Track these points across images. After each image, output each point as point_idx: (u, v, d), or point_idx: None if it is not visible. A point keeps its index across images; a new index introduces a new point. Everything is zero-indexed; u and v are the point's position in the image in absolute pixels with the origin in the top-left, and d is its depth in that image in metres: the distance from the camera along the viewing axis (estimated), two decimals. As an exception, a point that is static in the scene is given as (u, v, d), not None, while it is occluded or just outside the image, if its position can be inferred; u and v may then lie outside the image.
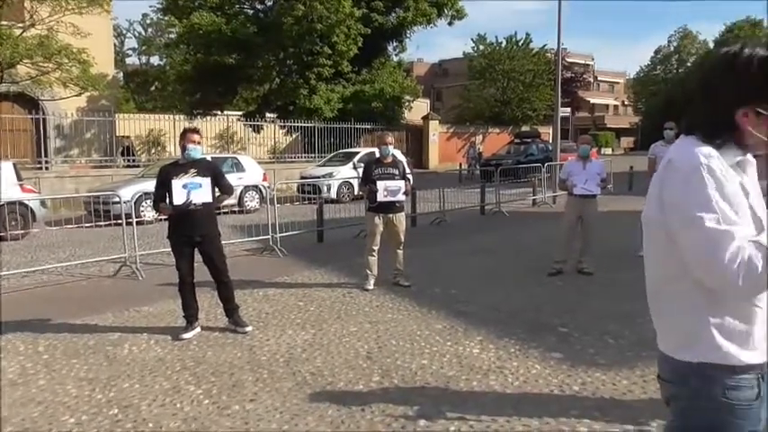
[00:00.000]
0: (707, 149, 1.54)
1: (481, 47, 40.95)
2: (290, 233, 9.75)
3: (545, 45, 40.05)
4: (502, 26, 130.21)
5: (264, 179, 15.44)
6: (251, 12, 26.09)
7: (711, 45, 52.93)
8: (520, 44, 39.94)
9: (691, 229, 1.50)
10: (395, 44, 29.21)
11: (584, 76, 49.65)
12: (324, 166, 18.94)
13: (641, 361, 4.33)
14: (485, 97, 39.71)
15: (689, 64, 54.99)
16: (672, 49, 58.29)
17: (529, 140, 27.03)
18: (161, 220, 7.52)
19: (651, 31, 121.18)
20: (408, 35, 28.61)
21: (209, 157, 8.20)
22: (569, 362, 4.46)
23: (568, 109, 31.92)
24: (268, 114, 26.92)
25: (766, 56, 1.54)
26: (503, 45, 40.07)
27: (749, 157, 1.62)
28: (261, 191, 15.01)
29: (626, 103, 66.72)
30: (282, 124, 25.92)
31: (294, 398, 3.93)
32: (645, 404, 3.70)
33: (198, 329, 5.32)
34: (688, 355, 1.61)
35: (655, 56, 59.64)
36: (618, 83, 69.50)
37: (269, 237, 9.28)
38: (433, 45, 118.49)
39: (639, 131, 56.18)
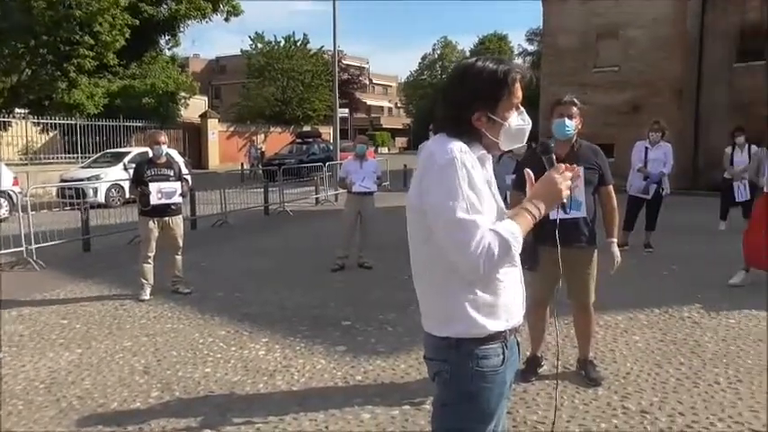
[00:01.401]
0: (459, 144, 1.72)
1: (259, 45, 40.63)
2: (50, 243, 8.68)
3: (322, 47, 41.08)
4: (279, 25, 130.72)
5: (15, 183, 13.53)
6: (-9, -9, 22.62)
7: (468, 54, 59.04)
8: (298, 44, 40.45)
9: (444, 217, 1.66)
10: (167, 38, 27.65)
11: (360, 78, 51.99)
12: (89, 167, 17.20)
13: (417, 345, 4.65)
14: (265, 96, 39.47)
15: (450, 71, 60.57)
16: (436, 56, 63.75)
17: (310, 140, 27.53)
18: None
19: (418, 39, 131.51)
20: (182, 29, 27.26)
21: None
22: (352, 353, 4.64)
23: (346, 110, 33.28)
24: (18, 110, 23.59)
25: (491, 69, 1.77)
26: (281, 44, 40.22)
27: (488, 153, 1.84)
28: (11, 197, 13.11)
29: (399, 105, 71.39)
30: (37, 121, 22.89)
31: (58, 426, 3.51)
32: (421, 384, 3.98)
33: (-71, 363, 4.48)
34: (447, 332, 1.78)
35: (422, 62, 64.71)
36: (391, 86, 74.04)
37: (22, 249, 8.16)
38: (209, 41, 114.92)
39: (411, 132, 60.50)
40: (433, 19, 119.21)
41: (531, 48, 46.37)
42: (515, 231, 1.68)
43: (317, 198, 15.82)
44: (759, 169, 6.31)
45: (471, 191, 1.67)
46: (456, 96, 1.80)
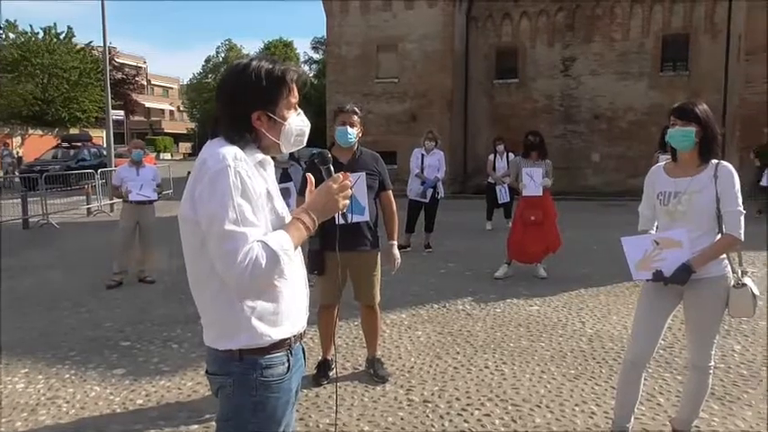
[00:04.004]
0: (234, 151, 1.65)
1: (11, 35, 35.69)
2: None
3: (91, 42, 37.47)
4: (37, 16, 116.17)
5: None
6: None
7: (254, 59, 58.15)
8: (61, 37, 36.33)
9: (213, 228, 1.60)
10: None
11: (137, 78, 48.42)
12: None
13: (205, 360, 4.44)
14: (21, 93, 34.67)
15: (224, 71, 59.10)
16: (220, 59, 61.87)
17: (79, 144, 25.00)
18: None
19: (201, 41, 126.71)
20: None
21: None
22: (132, 376, 4.27)
23: (122, 112, 30.77)
24: None
25: (269, 68, 1.74)
26: (39, 36, 35.77)
27: (268, 157, 1.80)
28: None
29: (181, 108, 67.95)
30: None
31: None
32: (209, 401, 3.78)
33: None
34: (229, 344, 1.72)
35: (206, 64, 62.33)
36: (172, 88, 70.22)
37: None
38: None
39: (196, 137, 57.96)
40: (216, 21, 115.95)
41: (316, 56, 47.29)
42: (285, 243, 1.65)
43: (88, 209, 14.38)
44: (518, 176, 7.16)
45: (244, 200, 1.61)
46: (234, 96, 1.73)
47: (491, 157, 11.21)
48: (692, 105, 2.92)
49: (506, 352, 4.68)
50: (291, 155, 2.82)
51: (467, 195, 18.28)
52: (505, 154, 10.93)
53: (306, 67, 46.79)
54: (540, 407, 3.70)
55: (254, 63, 1.74)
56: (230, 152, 1.64)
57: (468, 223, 11.85)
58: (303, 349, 1.91)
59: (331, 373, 4.13)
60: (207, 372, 1.83)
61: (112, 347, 4.88)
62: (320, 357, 4.21)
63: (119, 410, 3.74)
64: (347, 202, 1.81)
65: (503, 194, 10.74)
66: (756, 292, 2.92)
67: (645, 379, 3.16)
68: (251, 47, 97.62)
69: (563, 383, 4.06)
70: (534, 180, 6.97)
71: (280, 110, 1.76)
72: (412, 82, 20.61)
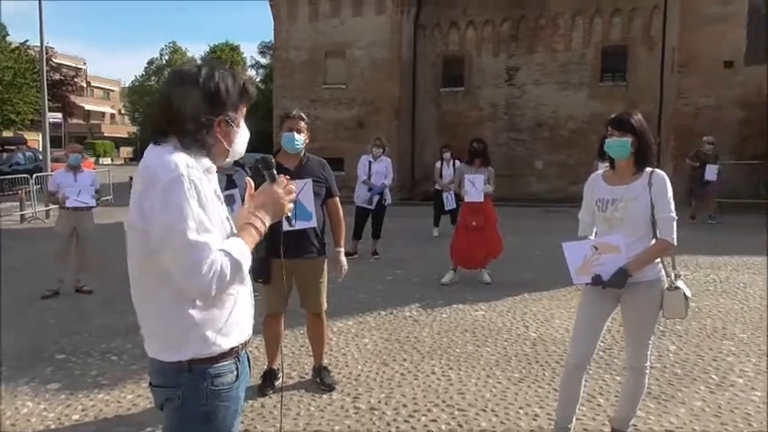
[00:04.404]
0: (185, 158, 1.61)
1: (-60, 33, 33.96)
2: None
3: (26, 41, 35.98)
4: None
5: None
6: None
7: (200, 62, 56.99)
8: (-6, 36, 34.76)
9: (172, 239, 1.55)
10: None
11: (76, 80, 46.78)
12: None
13: (146, 371, 4.31)
14: (-50, 94, 33.03)
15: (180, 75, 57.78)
16: (164, 62, 60.43)
17: (13, 148, 24.01)
18: None
19: (143, 43, 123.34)
20: None
21: None
22: (68, 390, 4.10)
23: (60, 114, 29.62)
24: None
25: (233, 77, 1.74)
26: (-29, 34, 34.14)
27: (213, 165, 1.77)
28: None
29: (123, 111, 66.00)
30: None
31: None
32: (151, 414, 3.68)
33: None
34: (176, 356, 1.68)
35: (149, 67, 60.79)
36: (113, 90, 68.16)
37: None
38: None
39: (138, 141, 56.38)
40: (160, 23, 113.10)
41: (263, 60, 46.75)
42: (244, 249, 1.66)
43: (22, 215, 13.79)
44: (461, 182, 7.27)
45: (200, 209, 1.59)
46: (199, 102, 1.67)
47: (438, 164, 11.31)
48: (628, 116, 3.03)
49: (453, 357, 4.73)
50: (236, 161, 2.77)
51: (414, 202, 18.41)
52: (452, 161, 11.06)
53: (253, 72, 46.22)
54: (485, 411, 3.75)
55: (219, 71, 1.73)
56: (182, 160, 1.61)
57: (415, 230, 11.93)
58: (248, 357, 1.90)
59: (277, 383, 4.08)
60: (151, 384, 1.79)
61: (47, 360, 4.69)
62: (265, 367, 4.15)
63: (53, 426, 3.59)
64: (291, 205, 1.84)
65: (449, 201, 10.85)
66: (688, 294, 3.05)
67: (585, 380, 3.25)
68: (196, 50, 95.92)
69: (508, 387, 4.13)
70: (476, 186, 7.09)
71: (237, 118, 1.77)
72: (360, 89, 20.64)
